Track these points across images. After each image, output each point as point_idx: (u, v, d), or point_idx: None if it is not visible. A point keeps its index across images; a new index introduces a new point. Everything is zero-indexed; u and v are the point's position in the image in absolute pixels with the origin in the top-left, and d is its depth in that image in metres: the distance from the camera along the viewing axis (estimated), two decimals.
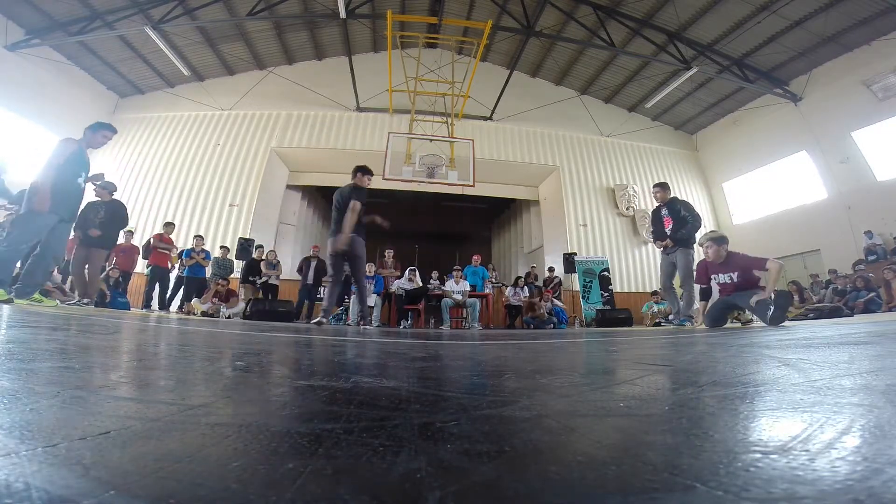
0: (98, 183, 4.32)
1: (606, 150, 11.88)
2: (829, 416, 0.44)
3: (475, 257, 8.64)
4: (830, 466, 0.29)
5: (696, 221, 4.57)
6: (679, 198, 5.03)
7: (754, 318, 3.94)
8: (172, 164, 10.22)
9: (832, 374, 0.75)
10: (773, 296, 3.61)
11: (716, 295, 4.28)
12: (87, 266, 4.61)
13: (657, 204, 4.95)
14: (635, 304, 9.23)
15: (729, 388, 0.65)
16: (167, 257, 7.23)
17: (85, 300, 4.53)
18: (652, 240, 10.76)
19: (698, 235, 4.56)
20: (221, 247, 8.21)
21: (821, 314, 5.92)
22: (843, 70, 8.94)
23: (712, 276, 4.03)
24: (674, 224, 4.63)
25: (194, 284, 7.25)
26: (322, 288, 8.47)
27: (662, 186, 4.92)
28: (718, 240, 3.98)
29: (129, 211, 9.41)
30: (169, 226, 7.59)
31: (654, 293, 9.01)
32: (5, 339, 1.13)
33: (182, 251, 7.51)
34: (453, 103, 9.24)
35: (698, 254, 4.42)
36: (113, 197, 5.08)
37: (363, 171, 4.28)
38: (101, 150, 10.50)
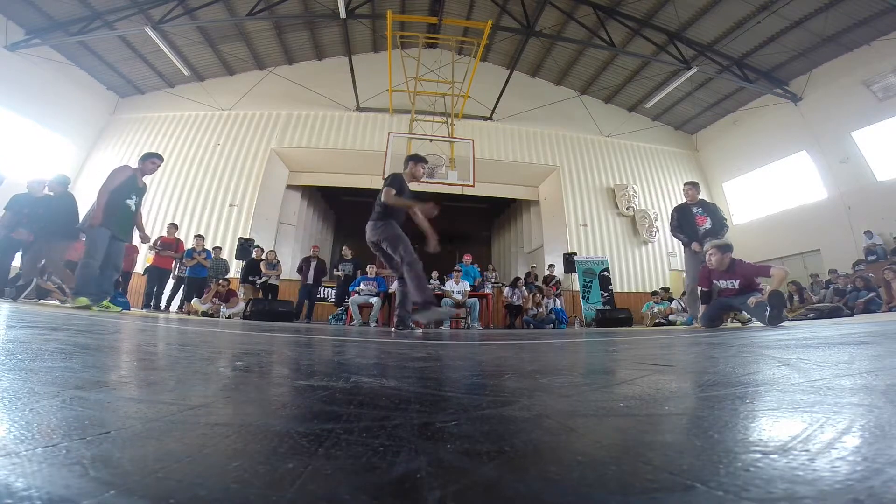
0: (49, 180, 4.79)
1: (606, 150, 11.89)
2: (829, 416, 0.44)
3: (466, 256, 8.65)
4: (830, 466, 0.29)
5: (725, 224, 4.69)
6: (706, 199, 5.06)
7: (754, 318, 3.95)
8: (172, 164, 10.21)
9: (832, 374, 0.75)
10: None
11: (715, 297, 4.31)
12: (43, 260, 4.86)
13: (686, 202, 4.90)
14: (635, 305, 9.23)
15: (729, 388, 0.65)
16: (169, 259, 7.23)
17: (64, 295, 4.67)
18: (651, 239, 10.86)
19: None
20: (214, 248, 8.19)
21: (821, 314, 5.92)
22: (843, 70, 8.94)
23: (714, 282, 4.03)
24: (714, 224, 4.61)
25: (194, 284, 7.25)
26: (322, 288, 8.47)
27: (694, 185, 4.93)
28: (723, 248, 3.95)
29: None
30: (171, 226, 7.58)
31: (655, 293, 9.01)
32: (5, 339, 1.13)
33: (187, 251, 7.48)
34: (453, 103, 9.24)
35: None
36: (67, 190, 5.10)
37: (414, 159, 3.66)
38: (102, 151, 10.56)
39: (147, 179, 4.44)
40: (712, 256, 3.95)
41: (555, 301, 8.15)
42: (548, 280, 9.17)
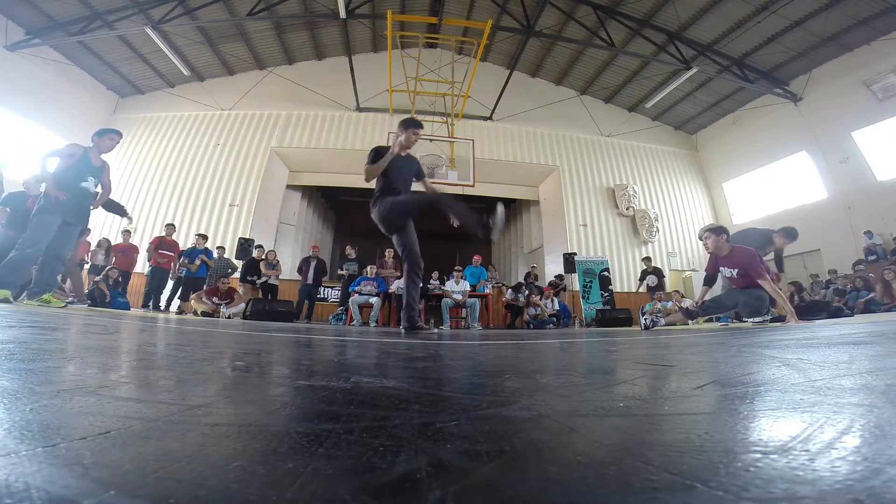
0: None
1: (606, 150, 11.89)
2: (829, 416, 0.44)
3: (476, 258, 8.67)
4: (830, 466, 0.29)
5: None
6: None
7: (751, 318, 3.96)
8: (172, 164, 10.22)
9: (832, 374, 0.75)
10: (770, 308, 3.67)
11: (719, 282, 4.30)
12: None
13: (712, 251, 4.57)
14: (635, 305, 9.21)
15: (729, 388, 0.65)
16: (169, 260, 7.23)
17: (78, 299, 4.54)
18: (651, 239, 10.83)
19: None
20: (218, 247, 8.20)
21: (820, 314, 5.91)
22: (843, 70, 8.93)
23: (720, 268, 4.03)
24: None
25: (193, 284, 7.24)
26: (322, 288, 8.47)
27: (714, 231, 4.37)
28: (716, 230, 3.97)
29: (129, 210, 9.28)
30: (170, 227, 7.58)
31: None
32: (5, 339, 1.13)
33: (184, 250, 7.46)
34: (453, 103, 9.24)
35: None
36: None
37: (404, 125, 3.18)
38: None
39: (106, 157, 4.03)
40: (707, 240, 3.95)
41: (553, 302, 8.15)
42: (554, 285, 9.16)
